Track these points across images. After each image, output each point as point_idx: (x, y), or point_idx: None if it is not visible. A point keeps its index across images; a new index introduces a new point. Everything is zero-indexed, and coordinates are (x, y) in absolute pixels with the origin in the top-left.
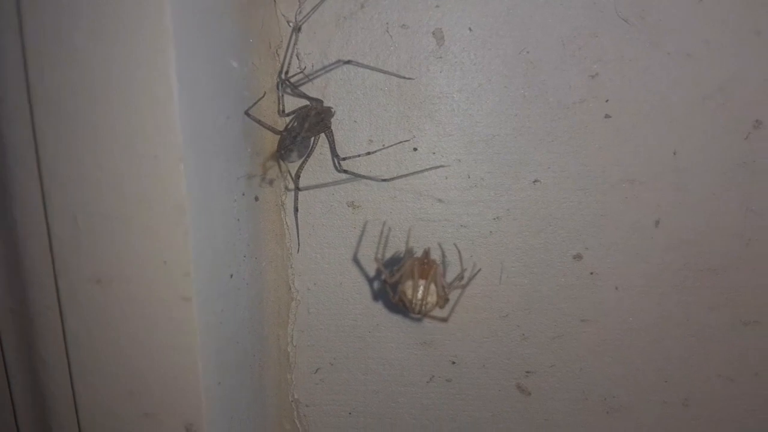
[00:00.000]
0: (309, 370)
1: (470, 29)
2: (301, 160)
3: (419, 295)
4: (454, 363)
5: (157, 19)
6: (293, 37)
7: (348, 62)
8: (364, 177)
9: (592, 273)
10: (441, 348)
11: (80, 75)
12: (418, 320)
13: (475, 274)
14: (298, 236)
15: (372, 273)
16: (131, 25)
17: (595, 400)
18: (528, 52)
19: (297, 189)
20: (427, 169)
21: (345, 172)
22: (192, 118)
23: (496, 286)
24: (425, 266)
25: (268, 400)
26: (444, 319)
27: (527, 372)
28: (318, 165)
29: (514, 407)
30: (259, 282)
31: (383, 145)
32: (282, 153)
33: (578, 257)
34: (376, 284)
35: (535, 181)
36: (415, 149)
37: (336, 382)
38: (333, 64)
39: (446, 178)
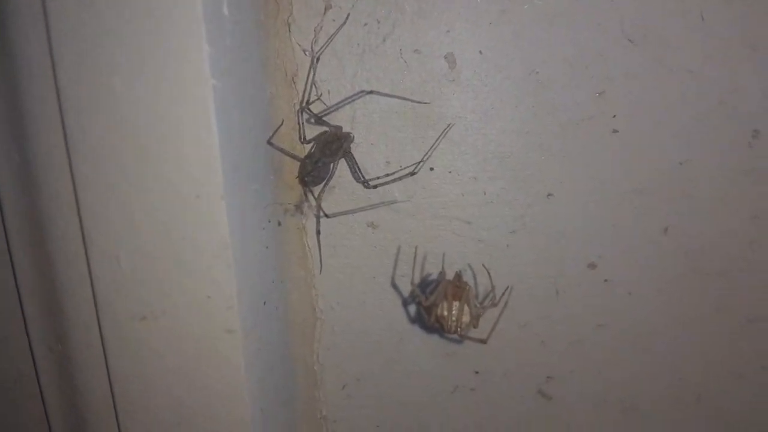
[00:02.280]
0: (336, 387)
1: (480, 52)
2: (322, 184)
3: (453, 316)
4: (477, 372)
5: (196, 56)
6: (312, 66)
7: (371, 92)
8: (393, 181)
9: (606, 280)
10: (464, 359)
11: (119, 118)
12: (458, 340)
13: (505, 292)
14: (320, 258)
15: (393, 290)
16: (170, 66)
17: (613, 402)
18: (537, 72)
19: (320, 212)
20: (440, 137)
21: (374, 187)
22: (229, 154)
23: (514, 297)
24: (458, 288)
25: (298, 418)
26: (483, 341)
27: (548, 377)
28: (337, 188)
29: (536, 412)
30: (286, 305)
31: (401, 166)
32: (305, 179)
33: (592, 266)
34: (397, 300)
35: (549, 195)
36: (431, 169)
37: (363, 397)
38: (356, 94)
39: (463, 195)
